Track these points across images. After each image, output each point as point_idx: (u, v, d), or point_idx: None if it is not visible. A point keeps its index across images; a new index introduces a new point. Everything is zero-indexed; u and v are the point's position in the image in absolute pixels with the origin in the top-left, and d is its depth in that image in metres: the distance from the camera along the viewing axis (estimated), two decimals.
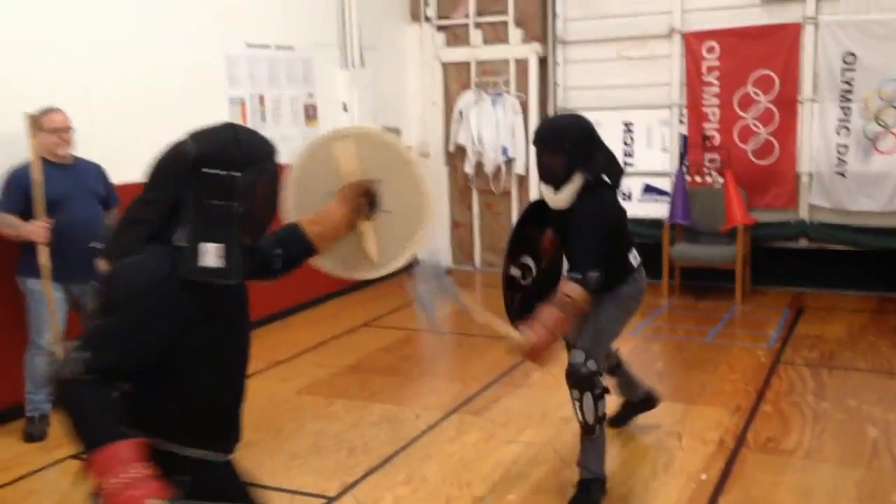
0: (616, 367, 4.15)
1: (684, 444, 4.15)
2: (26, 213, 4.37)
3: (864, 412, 4.51)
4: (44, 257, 4.36)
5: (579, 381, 3.53)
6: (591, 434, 3.57)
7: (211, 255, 1.87)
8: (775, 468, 3.89)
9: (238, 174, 1.90)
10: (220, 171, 1.89)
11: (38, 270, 4.38)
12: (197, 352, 1.93)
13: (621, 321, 3.72)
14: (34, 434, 4.49)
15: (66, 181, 4.49)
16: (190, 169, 1.89)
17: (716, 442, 4.18)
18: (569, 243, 3.52)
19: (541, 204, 3.79)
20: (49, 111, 4.49)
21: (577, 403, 3.55)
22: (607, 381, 3.89)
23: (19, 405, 4.63)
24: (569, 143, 3.41)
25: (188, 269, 1.86)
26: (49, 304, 4.45)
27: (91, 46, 5.19)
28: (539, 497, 3.67)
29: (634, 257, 3.66)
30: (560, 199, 3.47)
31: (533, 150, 3.70)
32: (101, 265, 1.99)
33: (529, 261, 3.72)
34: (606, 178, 3.52)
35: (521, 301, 3.72)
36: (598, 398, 3.53)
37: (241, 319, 2.12)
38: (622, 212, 3.65)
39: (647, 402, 4.29)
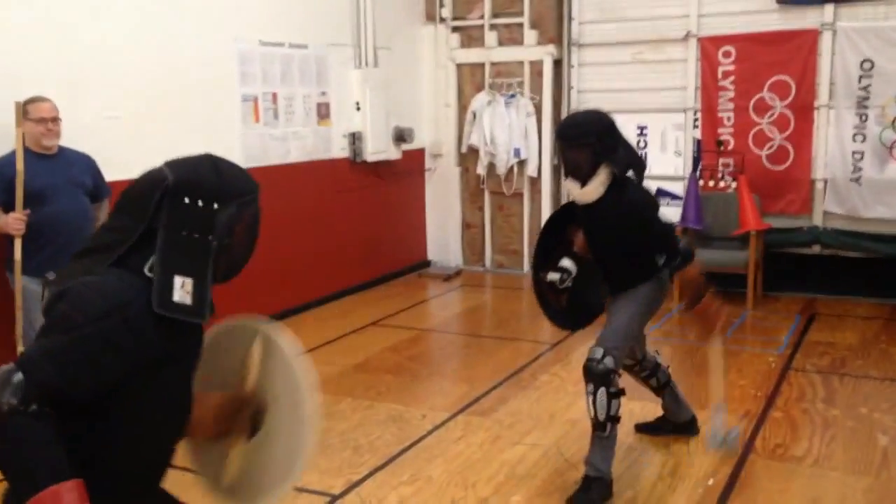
0: (664, 386, 4.14)
1: (692, 449, 4.12)
2: (9, 205, 4.27)
3: (875, 420, 4.46)
4: (18, 251, 4.28)
5: (595, 377, 3.54)
6: (601, 431, 3.57)
7: (181, 289, 1.74)
8: (783, 475, 3.85)
9: (217, 206, 1.79)
10: (199, 202, 1.78)
11: (28, 267, 4.28)
12: (140, 396, 1.75)
13: (642, 321, 3.74)
14: None
15: (50, 172, 4.37)
16: (167, 197, 1.77)
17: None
18: (608, 237, 3.59)
19: (566, 208, 3.83)
20: (36, 100, 4.38)
21: (591, 398, 3.55)
22: (653, 397, 3.98)
23: None
24: (593, 137, 3.46)
25: (161, 300, 1.71)
26: (17, 299, 4.34)
27: (102, 43, 5.21)
28: (543, 499, 3.65)
29: (660, 256, 3.66)
30: (587, 192, 3.50)
31: (546, 152, 3.78)
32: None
33: (567, 262, 3.76)
34: (632, 175, 3.57)
35: (568, 300, 3.82)
36: (613, 396, 3.53)
37: (191, 371, 1.91)
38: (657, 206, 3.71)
39: (688, 426, 4.25)
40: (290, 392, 1.87)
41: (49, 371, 1.62)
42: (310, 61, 6.94)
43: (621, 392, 3.60)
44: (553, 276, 3.73)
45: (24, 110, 4.36)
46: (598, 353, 3.55)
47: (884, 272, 6.89)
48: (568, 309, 3.86)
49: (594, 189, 3.48)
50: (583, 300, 3.79)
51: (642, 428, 4.30)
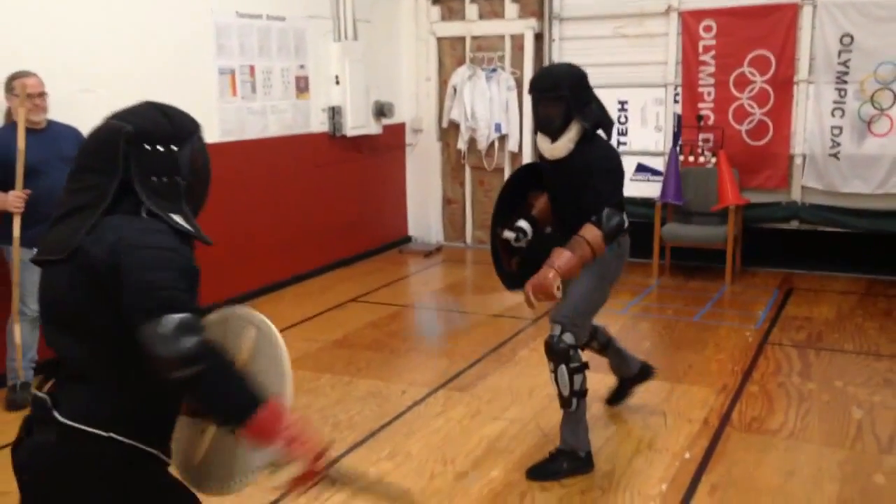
0: (606, 346, 4.13)
1: (669, 423, 4.16)
2: (3, 183, 4.33)
3: (850, 393, 4.51)
4: (17, 228, 4.34)
5: (555, 354, 3.55)
6: (567, 407, 3.59)
7: (180, 221, 1.82)
8: (759, 447, 3.89)
9: (175, 148, 1.86)
10: (159, 147, 1.83)
11: (23, 240, 4.34)
12: None
13: (602, 291, 3.67)
14: (17, 402, 4.46)
15: (41, 147, 4.41)
16: (131, 147, 1.80)
17: (700, 421, 4.18)
18: (573, 193, 3.48)
19: (530, 168, 3.79)
20: (21, 75, 4.41)
21: (553, 376, 3.57)
22: (596, 359, 3.91)
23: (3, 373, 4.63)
24: (566, 90, 3.43)
25: (180, 227, 1.80)
26: (14, 274, 4.41)
27: (76, 14, 5.11)
28: (522, 473, 3.66)
29: (625, 219, 3.52)
30: (557, 147, 3.48)
31: (527, 127, 3.72)
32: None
33: (524, 223, 3.73)
34: (601, 132, 3.55)
35: (519, 264, 3.77)
36: (574, 372, 3.54)
37: None
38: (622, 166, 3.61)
39: (643, 374, 4.26)
40: (273, 383, 1.87)
41: (190, 302, 1.69)
42: (288, 34, 6.85)
43: (584, 366, 3.59)
44: (509, 234, 3.71)
45: (10, 86, 4.37)
46: (557, 329, 3.54)
47: (861, 247, 6.95)
48: (517, 273, 3.79)
49: (564, 145, 3.46)
50: (534, 267, 3.73)
51: (612, 401, 4.31)
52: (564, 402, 3.58)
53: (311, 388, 4.71)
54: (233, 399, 1.67)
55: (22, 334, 4.50)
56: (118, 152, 1.79)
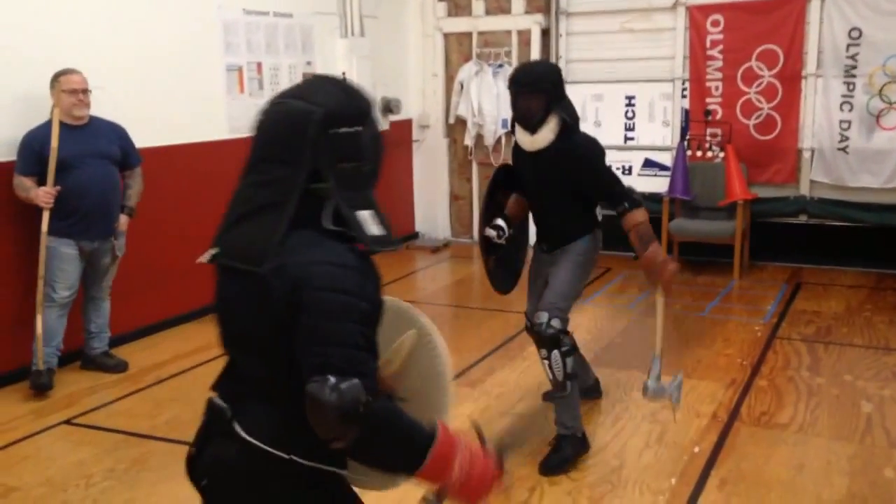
0: (573, 349, 4.16)
1: (678, 417, 4.14)
2: (41, 176, 4.50)
3: (859, 388, 4.50)
4: (45, 223, 4.50)
5: (545, 341, 3.61)
6: (563, 391, 3.64)
7: (370, 222, 1.63)
8: (768, 441, 3.89)
9: (360, 129, 1.64)
10: (344, 129, 1.61)
11: (53, 229, 4.52)
12: None
13: (583, 279, 3.82)
14: (45, 384, 4.56)
15: (78, 142, 4.56)
16: (321, 132, 1.59)
17: (709, 415, 4.18)
18: (556, 182, 3.62)
19: (505, 169, 3.94)
20: (66, 72, 4.58)
21: (546, 362, 3.62)
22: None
23: (25, 366, 4.67)
24: (547, 84, 3.55)
25: (373, 240, 1.62)
26: (40, 268, 4.55)
27: (84, 12, 5.12)
28: (531, 468, 3.66)
29: (599, 213, 3.78)
30: (538, 139, 3.57)
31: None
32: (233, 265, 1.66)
33: (501, 221, 3.85)
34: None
35: (496, 262, 3.92)
36: (566, 355, 3.60)
37: None
38: None
39: (591, 390, 4.34)
40: (431, 392, 1.81)
41: (366, 359, 1.56)
42: (295, 30, 6.86)
43: (574, 349, 3.73)
44: (490, 231, 3.83)
45: (56, 82, 4.53)
46: (544, 317, 3.61)
47: (869, 241, 6.92)
48: (494, 271, 3.95)
49: (545, 136, 3.55)
50: (508, 265, 3.89)
51: (545, 396, 4.32)
52: (560, 386, 3.64)
53: None
54: (399, 459, 1.60)
55: (49, 321, 4.61)
56: (306, 139, 1.58)
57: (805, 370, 4.79)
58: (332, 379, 1.47)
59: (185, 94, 5.79)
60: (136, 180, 4.95)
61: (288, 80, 6.80)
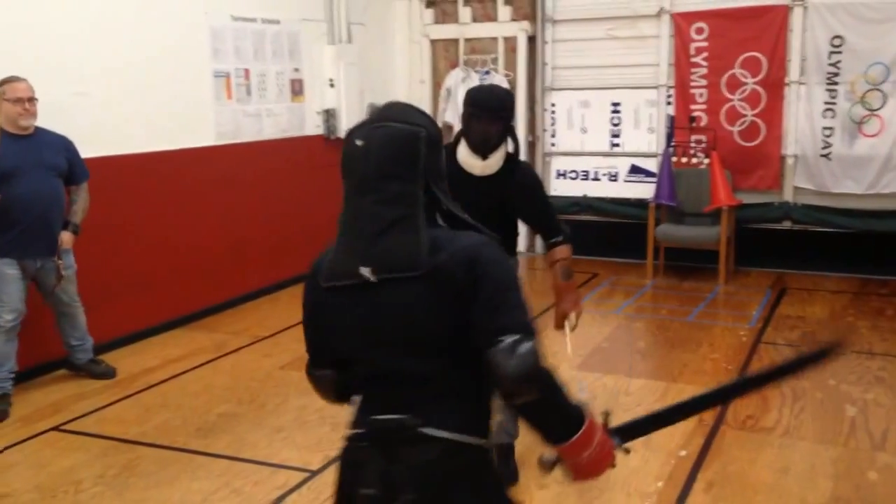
0: None
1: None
2: None
3: (843, 391, 4.56)
4: None
5: None
6: None
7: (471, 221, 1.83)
8: (754, 445, 3.93)
9: (440, 150, 1.84)
10: (434, 150, 1.80)
11: None
12: None
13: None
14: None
15: (21, 153, 4.34)
16: (427, 151, 1.77)
17: (695, 419, 4.20)
18: (500, 205, 3.61)
19: None
20: (10, 80, 4.37)
21: None
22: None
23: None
24: (507, 111, 3.56)
25: (489, 234, 1.81)
26: None
27: (71, 17, 5.12)
28: (528, 470, 3.69)
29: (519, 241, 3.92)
30: (490, 164, 3.56)
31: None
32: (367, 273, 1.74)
33: None
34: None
35: None
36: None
37: None
38: None
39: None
40: None
41: (533, 322, 1.70)
42: (282, 37, 6.87)
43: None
44: None
45: (0, 91, 4.31)
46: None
47: (852, 247, 7.00)
48: None
49: (496, 162, 3.55)
50: None
51: None
52: None
53: (308, 389, 4.64)
54: (560, 424, 1.74)
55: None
56: (419, 157, 1.76)
57: None
58: (517, 339, 1.63)
59: (172, 100, 5.79)
60: (82, 195, 4.67)
61: (276, 86, 6.82)
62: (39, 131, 4.49)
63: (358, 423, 1.81)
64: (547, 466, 1.85)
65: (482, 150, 3.53)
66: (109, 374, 4.94)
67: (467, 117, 3.54)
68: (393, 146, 1.77)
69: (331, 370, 1.93)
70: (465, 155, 3.55)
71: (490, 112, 3.48)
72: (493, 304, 1.68)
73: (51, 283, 4.55)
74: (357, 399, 1.83)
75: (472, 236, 1.76)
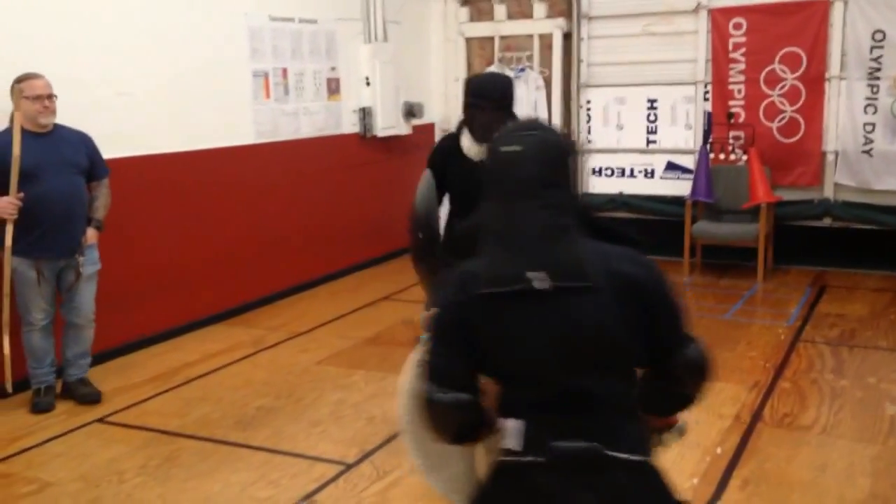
0: None
1: (700, 419, 4.16)
2: (2, 188, 4.20)
3: (883, 390, 4.50)
4: (9, 237, 4.23)
5: None
6: None
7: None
8: (791, 443, 3.90)
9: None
10: (576, 160, 1.91)
11: (18, 248, 4.26)
12: None
13: None
14: (41, 406, 4.46)
15: (41, 151, 4.26)
16: (573, 160, 1.86)
17: (732, 417, 4.19)
18: None
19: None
20: (29, 77, 4.27)
21: None
22: None
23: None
24: (507, 100, 3.53)
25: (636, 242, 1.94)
26: (4, 285, 4.34)
27: (112, 19, 5.22)
28: None
29: None
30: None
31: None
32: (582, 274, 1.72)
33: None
34: None
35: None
36: None
37: None
38: None
39: None
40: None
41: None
42: (319, 36, 6.94)
43: None
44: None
45: (18, 88, 4.24)
46: None
47: (894, 244, 6.88)
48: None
49: None
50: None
51: None
52: None
53: (345, 384, 4.79)
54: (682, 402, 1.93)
55: (32, 343, 4.45)
56: (570, 166, 1.83)
57: (829, 373, 4.79)
58: (697, 342, 1.83)
59: (212, 99, 5.89)
60: (104, 191, 4.56)
61: (313, 85, 6.89)
62: (58, 128, 4.40)
63: (533, 449, 1.69)
64: (682, 432, 2.14)
65: (485, 140, 3.53)
66: (93, 397, 4.58)
67: (471, 107, 3.52)
68: (549, 154, 1.79)
69: (467, 394, 1.74)
70: (468, 143, 3.56)
71: (492, 102, 3.48)
72: (675, 308, 1.82)
73: (70, 281, 4.46)
74: (515, 423, 1.71)
75: (624, 248, 1.83)
